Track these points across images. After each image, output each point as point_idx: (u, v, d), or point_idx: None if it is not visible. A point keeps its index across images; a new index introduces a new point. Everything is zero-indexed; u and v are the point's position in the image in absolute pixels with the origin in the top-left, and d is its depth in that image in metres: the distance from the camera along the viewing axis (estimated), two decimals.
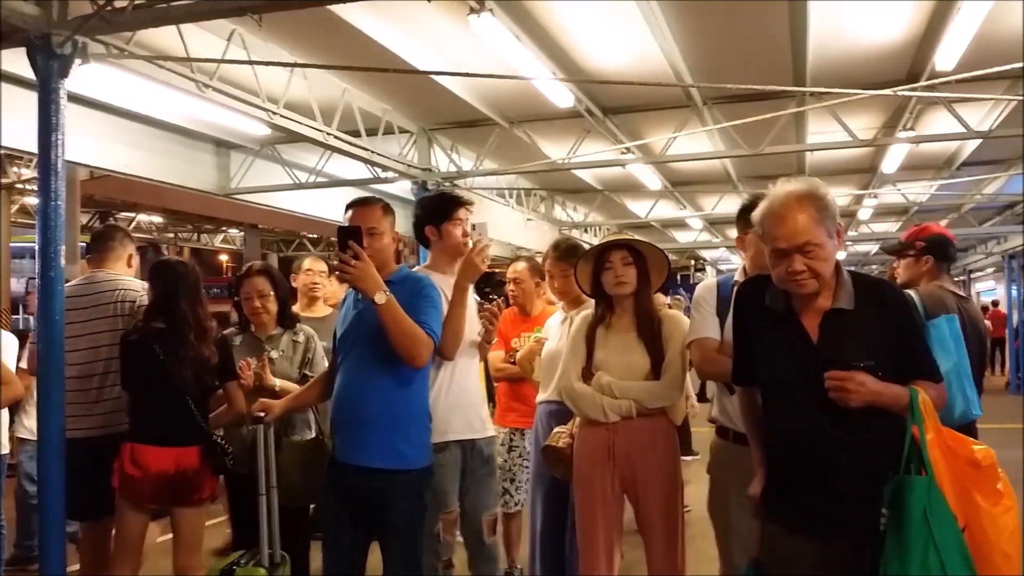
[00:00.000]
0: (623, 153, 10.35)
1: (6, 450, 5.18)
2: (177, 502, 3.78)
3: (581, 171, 12.54)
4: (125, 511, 3.80)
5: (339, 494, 3.26)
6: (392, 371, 3.15)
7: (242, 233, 19.93)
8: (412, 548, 3.22)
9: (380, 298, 3.02)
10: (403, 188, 11.05)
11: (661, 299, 6.81)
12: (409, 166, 10.15)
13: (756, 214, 2.43)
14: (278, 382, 3.91)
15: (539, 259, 4.86)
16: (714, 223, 19.43)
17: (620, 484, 3.41)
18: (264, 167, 10.73)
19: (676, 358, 3.38)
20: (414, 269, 3.68)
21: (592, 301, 3.64)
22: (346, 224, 3.19)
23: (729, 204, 15.79)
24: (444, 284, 3.50)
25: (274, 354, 3.96)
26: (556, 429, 3.77)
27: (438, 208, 3.72)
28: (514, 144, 10.42)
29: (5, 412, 5.07)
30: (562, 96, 7.99)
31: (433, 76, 7.84)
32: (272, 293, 3.99)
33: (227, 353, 3.95)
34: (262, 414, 3.57)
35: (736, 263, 24.93)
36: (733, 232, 21.61)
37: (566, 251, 4.28)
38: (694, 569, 3.70)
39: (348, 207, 3.35)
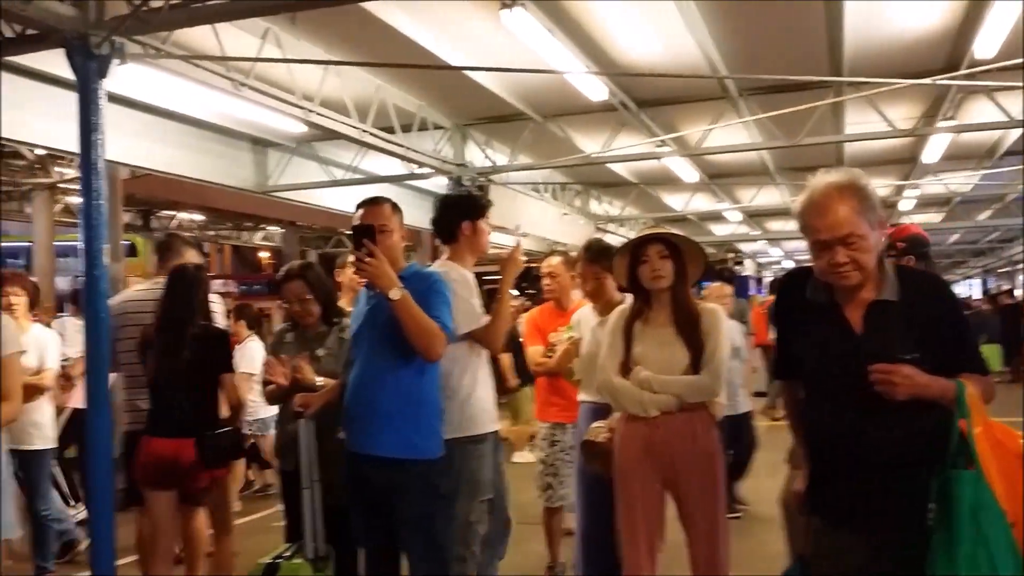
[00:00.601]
0: (658, 146, 10.30)
1: (51, 444, 5.24)
2: (179, 490, 4.06)
3: (616, 165, 12.48)
4: (146, 494, 4.08)
5: (357, 486, 3.33)
6: (404, 364, 3.22)
7: (282, 230, 20.11)
8: (432, 539, 3.27)
9: (395, 294, 3.10)
10: (438, 184, 11.08)
11: (727, 289, 6.74)
12: (444, 162, 10.17)
13: (796, 206, 2.40)
14: (319, 379, 3.93)
15: (575, 254, 4.84)
16: (752, 215, 19.25)
17: (661, 479, 3.38)
18: (301, 164, 10.82)
19: (716, 351, 3.34)
20: (436, 263, 3.79)
21: (627, 298, 3.62)
22: (359, 223, 3.26)
23: (767, 196, 15.65)
24: (468, 277, 3.67)
25: (321, 352, 3.98)
26: (595, 424, 3.75)
27: (474, 206, 3.85)
28: (548, 138, 10.40)
29: (50, 408, 5.14)
30: (596, 89, 7.95)
31: (466, 72, 7.84)
32: (311, 295, 4.01)
33: (223, 348, 4.16)
34: (302, 409, 3.63)
35: (774, 255, 24.44)
36: (772, 224, 21.39)
37: (597, 253, 4.23)
38: (741, 568, 3.63)
39: (358, 207, 3.42)
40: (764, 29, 7.29)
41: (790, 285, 2.55)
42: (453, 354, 3.44)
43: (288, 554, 3.70)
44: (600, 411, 3.88)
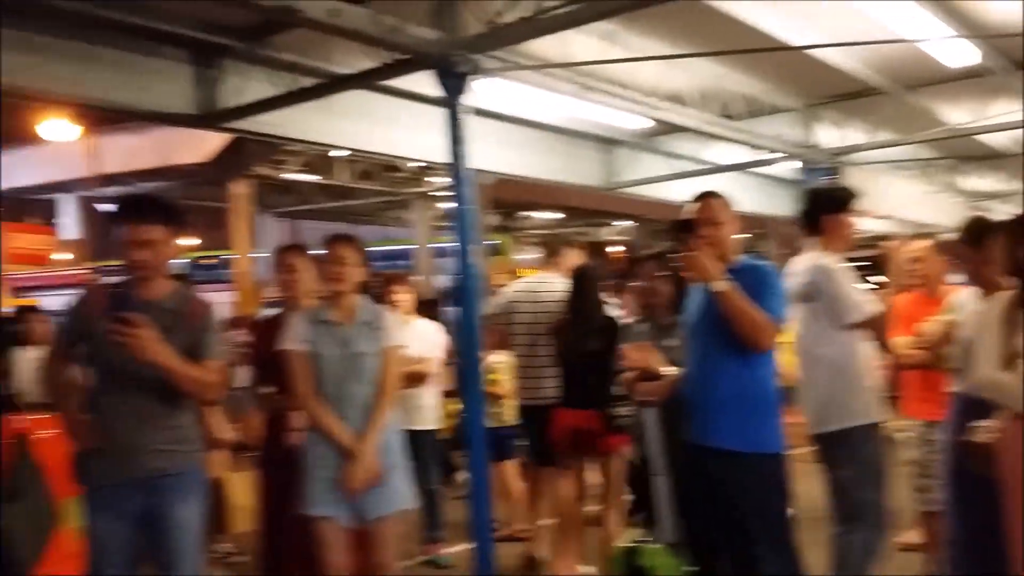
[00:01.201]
0: None
1: (435, 425, 5.77)
2: (586, 454, 4.60)
3: (990, 135, 11.24)
4: (561, 458, 4.66)
5: (695, 476, 3.35)
6: (738, 356, 3.20)
7: (631, 224, 20.65)
8: (773, 534, 3.21)
9: (718, 285, 3.11)
10: (785, 169, 10.73)
11: None
12: (793, 146, 9.81)
13: None
14: (667, 368, 4.00)
15: (944, 235, 4.50)
16: None
17: None
18: (646, 159, 11.02)
19: None
20: (804, 256, 3.83)
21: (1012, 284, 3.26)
22: (682, 218, 3.35)
23: None
24: (844, 267, 3.72)
25: (670, 342, 4.05)
26: (976, 423, 3.43)
27: (835, 199, 3.97)
28: (907, 112, 9.66)
29: (433, 393, 5.67)
30: (962, 55, 7.22)
31: (814, 50, 7.50)
32: (661, 283, 4.11)
33: (616, 334, 4.45)
34: (648, 398, 3.74)
35: None
36: None
37: (974, 233, 3.87)
38: None
39: (689, 201, 3.44)
40: None
41: None
42: (846, 343, 3.63)
43: (644, 539, 3.82)
44: (975, 405, 3.54)
